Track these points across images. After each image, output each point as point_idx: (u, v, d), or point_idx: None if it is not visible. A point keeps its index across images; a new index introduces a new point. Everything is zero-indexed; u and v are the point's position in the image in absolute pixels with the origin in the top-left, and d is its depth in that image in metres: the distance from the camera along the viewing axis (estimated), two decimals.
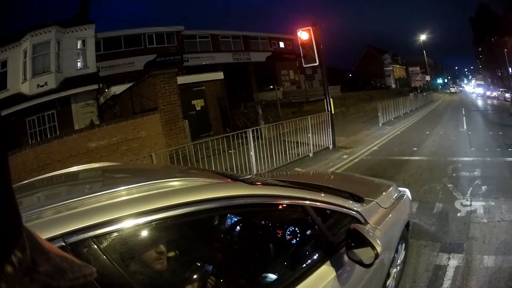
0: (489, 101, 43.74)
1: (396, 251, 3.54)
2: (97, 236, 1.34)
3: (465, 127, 17.81)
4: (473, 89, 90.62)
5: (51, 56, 22.42)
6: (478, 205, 6.46)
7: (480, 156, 10.55)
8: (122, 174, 2.74)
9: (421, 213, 6.29)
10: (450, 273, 4.32)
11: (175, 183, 1.82)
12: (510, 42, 52.15)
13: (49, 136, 20.04)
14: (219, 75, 22.43)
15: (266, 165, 10.29)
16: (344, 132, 15.65)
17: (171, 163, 8.83)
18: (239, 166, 9.60)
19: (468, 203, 6.61)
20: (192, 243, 1.98)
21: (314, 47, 13.06)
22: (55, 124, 22.34)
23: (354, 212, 2.81)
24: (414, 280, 4.21)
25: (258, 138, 10.60)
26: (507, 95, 41.63)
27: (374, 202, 3.29)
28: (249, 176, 3.92)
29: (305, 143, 12.24)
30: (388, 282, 3.32)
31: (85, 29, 24.35)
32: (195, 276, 1.87)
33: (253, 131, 10.11)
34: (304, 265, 2.25)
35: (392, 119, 21.29)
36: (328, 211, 2.64)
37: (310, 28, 13.16)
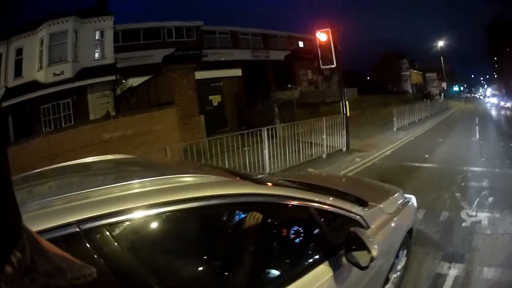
0: (502, 112, 43.13)
1: (397, 257, 3.63)
2: (110, 224, 1.45)
3: (477, 136, 17.67)
4: (488, 98, 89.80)
5: (68, 46, 22.71)
6: (483, 216, 6.45)
7: (490, 167, 10.47)
8: (135, 167, 2.86)
9: (428, 220, 6.33)
10: (449, 282, 4.37)
11: (186, 179, 1.95)
12: None
13: (63, 125, 20.42)
14: (237, 72, 22.52)
15: (280, 164, 10.39)
16: (358, 135, 15.64)
17: (185, 158, 8.91)
18: (252, 164, 9.68)
19: (474, 213, 6.62)
20: (199, 237, 2.10)
21: (332, 49, 13.10)
22: (70, 113, 22.60)
23: (357, 216, 2.92)
24: (414, 287, 4.29)
25: (273, 137, 10.67)
26: None
27: (378, 207, 3.39)
28: (261, 176, 4.08)
29: (319, 144, 12.29)
30: (387, 287, 3.43)
31: (104, 21, 24.67)
32: (199, 268, 2.02)
33: (268, 129, 10.20)
34: (303, 263, 2.39)
35: (407, 125, 21.18)
36: (331, 213, 2.75)
37: (329, 29, 13.20)
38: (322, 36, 13.30)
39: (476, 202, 7.24)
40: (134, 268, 1.49)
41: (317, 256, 2.47)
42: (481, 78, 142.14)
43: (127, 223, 1.53)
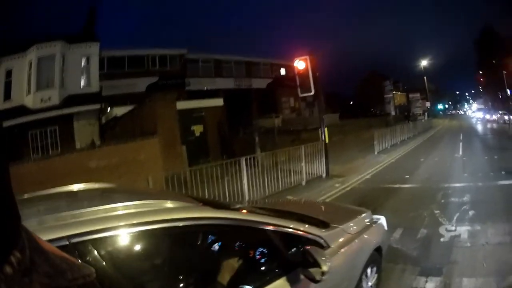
0: (488, 125, 43.57)
1: (366, 274, 3.82)
2: (93, 239, 1.76)
3: (460, 152, 17.89)
4: (473, 113, 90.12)
5: (55, 71, 22.86)
6: (463, 230, 6.56)
7: (472, 181, 10.59)
8: (114, 194, 3.15)
9: (405, 239, 6.42)
10: None
11: (155, 203, 2.25)
12: (511, 63, 52.09)
13: (50, 152, 20.77)
14: (219, 102, 22.63)
15: (259, 193, 10.41)
16: (339, 160, 15.72)
17: (167, 187, 9.01)
18: (231, 193, 9.67)
19: (453, 228, 6.73)
20: (164, 254, 2.39)
21: (310, 76, 13.18)
22: (57, 140, 22.50)
23: (315, 237, 3.14)
24: None
25: (253, 166, 10.70)
26: (506, 117, 41.21)
27: (340, 228, 3.60)
28: (235, 204, 4.31)
29: (299, 172, 12.35)
30: None
31: (90, 47, 24.85)
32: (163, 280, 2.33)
33: (246, 159, 10.24)
34: (261, 279, 2.61)
35: (389, 147, 21.31)
36: (291, 234, 2.97)
37: (307, 57, 13.32)
38: (300, 64, 13.45)
39: (455, 217, 7.36)
40: (111, 275, 1.80)
41: (275, 273, 2.70)
42: (467, 94, 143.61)
43: (107, 239, 1.85)
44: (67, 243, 1.65)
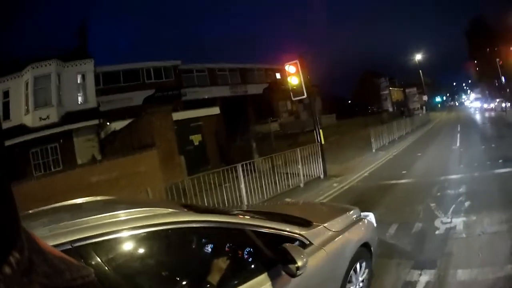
0: (486, 114, 42.98)
1: (356, 270, 4.00)
2: (93, 243, 2.04)
3: (457, 144, 17.79)
4: (470, 103, 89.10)
5: (52, 89, 23.11)
6: (458, 221, 6.55)
7: (469, 172, 10.52)
8: (106, 205, 3.33)
9: (399, 234, 6.47)
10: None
11: (145, 211, 2.50)
12: (504, 52, 52.04)
13: (52, 169, 21.19)
14: (216, 110, 22.92)
15: (257, 197, 10.58)
16: (337, 160, 15.85)
17: (167, 197, 9.21)
18: (230, 199, 9.86)
19: (449, 220, 6.72)
20: (154, 256, 2.61)
21: (302, 80, 13.26)
22: (58, 157, 22.90)
23: (296, 235, 3.35)
24: None
25: (251, 171, 10.84)
26: (503, 105, 41.29)
27: (322, 226, 3.77)
28: (226, 208, 4.55)
29: (296, 174, 12.50)
30: None
31: (85, 64, 25.07)
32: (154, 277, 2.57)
33: (243, 165, 10.38)
34: (245, 275, 2.85)
35: (386, 144, 21.43)
36: (272, 234, 3.20)
37: (297, 61, 13.39)
38: (291, 68, 13.51)
39: (451, 209, 7.33)
40: (109, 274, 2.05)
41: (256, 269, 2.93)
42: (464, 84, 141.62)
43: (105, 242, 2.12)
44: (70, 247, 1.93)
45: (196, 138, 20.76)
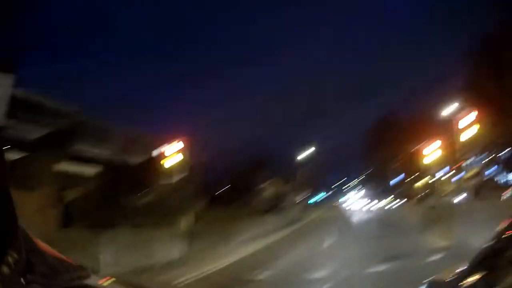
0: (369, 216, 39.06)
1: None
2: None
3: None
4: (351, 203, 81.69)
5: None
6: None
7: None
8: None
9: None
10: None
11: None
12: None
13: None
14: (98, 170, 22.78)
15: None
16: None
17: None
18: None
19: None
20: None
21: (180, 160, 14.07)
22: None
23: None
24: None
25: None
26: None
27: None
28: None
29: None
30: None
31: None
32: None
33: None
34: None
35: (248, 239, 18.35)
36: None
37: (180, 141, 14.29)
38: (171, 148, 14.25)
39: None
40: None
41: None
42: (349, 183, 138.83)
43: None
44: None
45: (73, 193, 20.27)
